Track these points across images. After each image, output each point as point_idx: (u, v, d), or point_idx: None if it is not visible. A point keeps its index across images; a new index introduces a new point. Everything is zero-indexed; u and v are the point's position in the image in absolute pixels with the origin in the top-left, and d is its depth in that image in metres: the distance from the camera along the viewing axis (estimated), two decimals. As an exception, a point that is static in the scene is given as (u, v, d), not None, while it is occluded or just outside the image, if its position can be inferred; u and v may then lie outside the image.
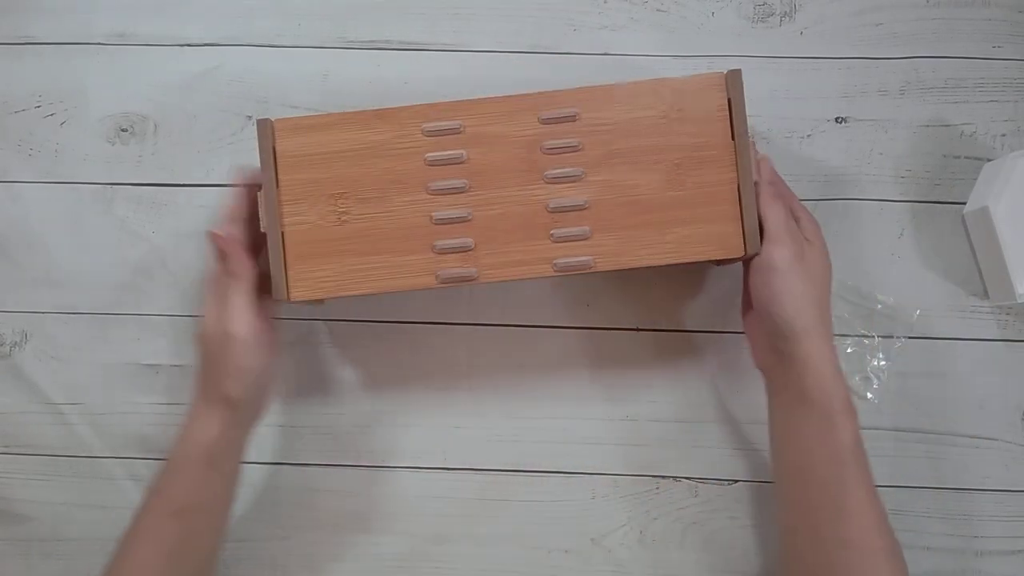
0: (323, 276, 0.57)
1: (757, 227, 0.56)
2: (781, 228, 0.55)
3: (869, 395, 0.65)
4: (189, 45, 0.69)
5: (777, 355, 0.56)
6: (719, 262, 0.64)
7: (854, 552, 0.52)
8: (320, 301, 0.64)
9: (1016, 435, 0.65)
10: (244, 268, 0.57)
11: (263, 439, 0.66)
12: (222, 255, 0.57)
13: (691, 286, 0.66)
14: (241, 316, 0.56)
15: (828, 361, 0.54)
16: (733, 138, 0.56)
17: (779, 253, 0.55)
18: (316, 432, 0.67)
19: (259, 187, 0.57)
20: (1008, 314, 0.66)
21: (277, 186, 0.57)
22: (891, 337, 0.66)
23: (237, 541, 0.66)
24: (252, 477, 0.66)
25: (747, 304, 0.60)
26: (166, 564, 0.55)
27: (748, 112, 0.66)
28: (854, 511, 0.53)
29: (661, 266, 0.66)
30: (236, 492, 0.59)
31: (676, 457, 0.66)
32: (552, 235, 0.56)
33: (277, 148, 0.57)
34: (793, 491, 0.57)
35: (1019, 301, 0.61)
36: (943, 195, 0.67)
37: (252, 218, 0.58)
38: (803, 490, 0.55)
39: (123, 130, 0.68)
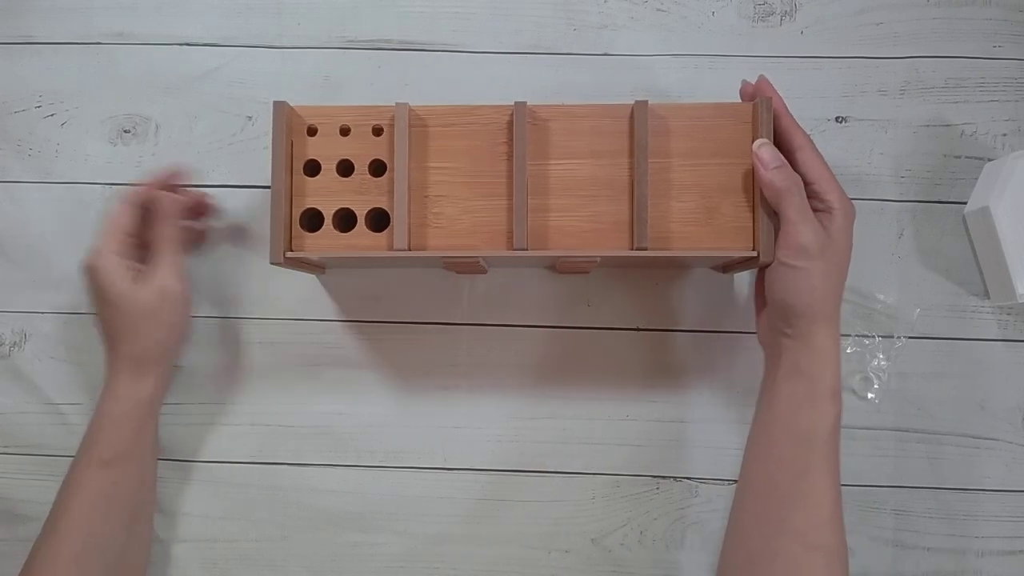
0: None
1: (772, 238, 0.55)
2: (794, 223, 0.53)
3: (869, 395, 0.65)
4: (189, 45, 0.69)
5: (782, 335, 0.55)
6: (724, 268, 0.65)
7: (797, 544, 0.51)
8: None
9: (1016, 435, 0.65)
10: (174, 227, 0.61)
11: (263, 439, 0.66)
12: (160, 212, 0.61)
13: (691, 286, 0.66)
14: (176, 274, 0.60)
15: (830, 346, 0.54)
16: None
17: (792, 252, 0.53)
18: (316, 432, 0.67)
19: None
20: (1008, 314, 0.66)
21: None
22: (891, 337, 0.66)
23: (237, 541, 0.66)
24: (251, 477, 0.66)
25: (760, 285, 0.59)
26: (96, 512, 0.58)
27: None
28: (808, 500, 0.52)
29: (662, 267, 0.66)
30: (158, 444, 0.64)
31: (676, 457, 0.66)
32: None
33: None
34: (755, 465, 0.55)
35: (1019, 301, 0.61)
36: (943, 195, 0.66)
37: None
38: (764, 465, 0.54)
39: (125, 131, 0.68)
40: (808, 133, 0.56)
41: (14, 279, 0.68)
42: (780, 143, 0.56)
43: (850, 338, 0.66)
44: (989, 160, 0.66)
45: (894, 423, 0.65)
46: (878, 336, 0.66)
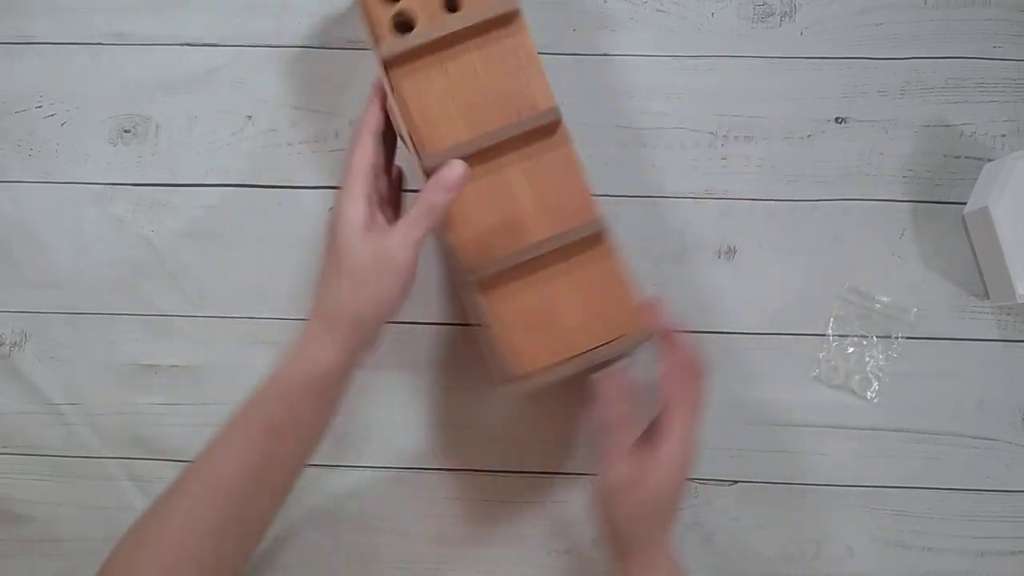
0: None
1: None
2: (614, 447, 0.55)
3: (869, 395, 0.65)
4: (189, 45, 0.69)
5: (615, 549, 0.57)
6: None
7: None
8: None
9: (1016, 435, 0.65)
10: (441, 195, 0.53)
11: (263, 439, 0.66)
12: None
13: (690, 291, 0.66)
14: (411, 245, 0.52)
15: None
16: None
17: (600, 487, 0.56)
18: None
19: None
20: (1008, 314, 0.66)
21: None
22: (891, 337, 0.66)
23: (237, 541, 0.66)
24: (252, 477, 0.66)
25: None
26: (248, 478, 0.52)
27: (748, 112, 0.67)
28: None
29: (663, 269, 0.66)
30: (334, 418, 0.56)
31: (676, 457, 0.66)
32: None
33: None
34: None
35: (1019, 301, 0.61)
36: (943, 195, 0.67)
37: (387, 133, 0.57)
38: None
39: (125, 131, 0.68)
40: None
41: (14, 279, 0.68)
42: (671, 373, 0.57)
43: (850, 338, 0.66)
44: (989, 160, 0.66)
45: (894, 423, 0.65)
46: (878, 336, 0.66)
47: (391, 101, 0.56)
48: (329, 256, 0.54)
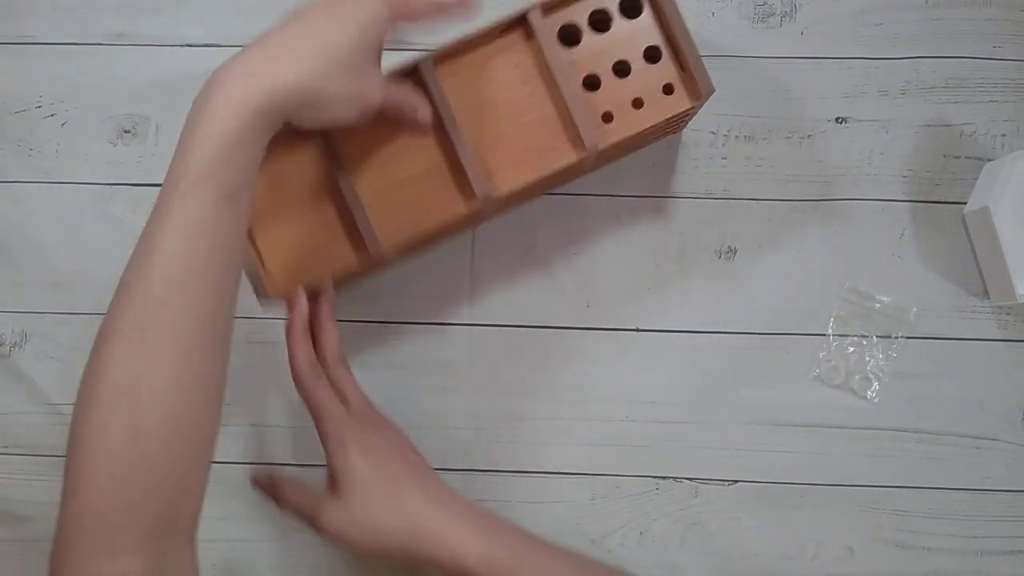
0: None
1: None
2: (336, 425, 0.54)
3: (869, 395, 0.65)
4: (189, 45, 0.69)
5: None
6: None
7: None
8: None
9: (1016, 435, 0.65)
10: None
11: (262, 439, 0.66)
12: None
13: (690, 291, 0.66)
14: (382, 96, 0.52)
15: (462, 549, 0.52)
16: None
17: (330, 527, 0.52)
18: (316, 432, 0.66)
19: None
20: (1008, 314, 0.66)
21: None
22: (891, 337, 0.66)
23: (237, 541, 0.66)
24: (252, 477, 0.66)
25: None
26: (225, 258, 0.46)
27: (748, 112, 0.67)
28: None
29: (663, 269, 0.66)
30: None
31: (676, 457, 0.66)
32: None
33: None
34: None
35: (1019, 301, 0.61)
36: (944, 195, 0.67)
37: None
38: None
39: (126, 131, 0.68)
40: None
41: (14, 279, 0.68)
42: None
43: (850, 338, 0.66)
44: (989, 160, 0.66)
45: (894, 423, 0.65)
46: (878, 336, 0.66)
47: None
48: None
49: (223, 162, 0.45)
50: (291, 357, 0.55)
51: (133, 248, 0.46)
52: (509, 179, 0.57)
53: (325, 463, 0.55)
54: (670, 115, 0.57)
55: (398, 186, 0.57)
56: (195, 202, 0.45)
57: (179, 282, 0.44)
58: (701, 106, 0.60)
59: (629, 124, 0.57)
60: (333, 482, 0.54)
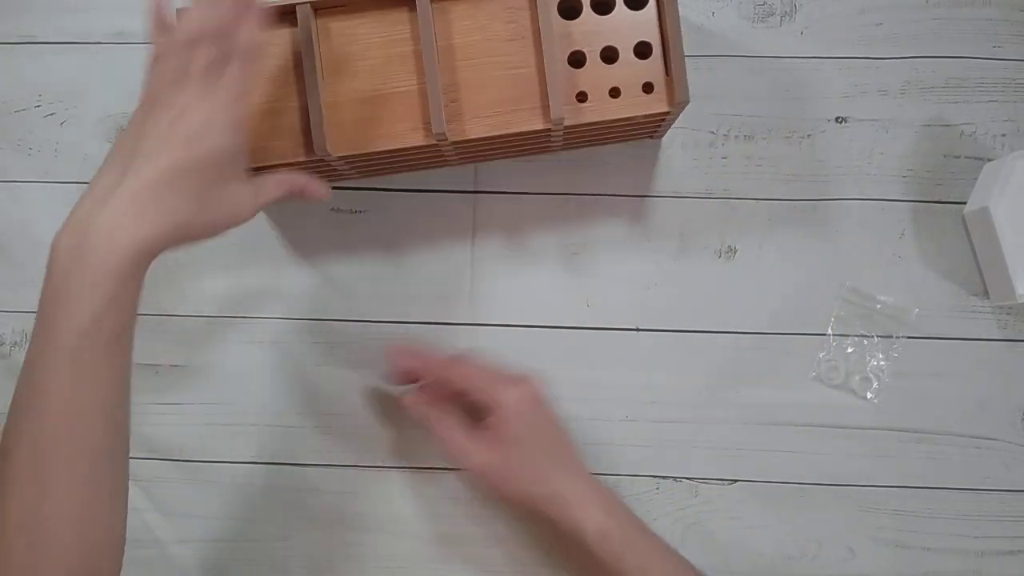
0: None
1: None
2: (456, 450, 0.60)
3: (869, 395, 0.65)
4: (189, 45, 0.69)
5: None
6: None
7: None
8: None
9: (1016, 435, 0.65)
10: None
11: (263, 439, 0.66)
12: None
13: (690, 291, 0.66)
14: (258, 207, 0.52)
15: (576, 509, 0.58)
16: None
17: (475, 475, 0.60)
18: (316, 432, 0.67)
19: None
20: (1008, 314, 0.66)
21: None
22: (891, 337, 0.66)
23: (237, 541, 0.66)
24: (252, 477, 0.66)
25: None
26: (117, 391, 0.46)
27: (748, 112, 0.67)
28: None
29: (663, 269, 0.66)
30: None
31: (676, 457, 0.66)
32: None
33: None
34: None
35: (1019, 301, 0.61)
36: (944, 195, 0.67)
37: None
38: None
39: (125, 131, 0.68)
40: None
41: (14, 279, 0.68)
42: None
43: (850, 338, 0.66)
44: (989, 160, 0.66)
45: (894, 423, 0.65)
46: (878, 336, 0.66)
47: None
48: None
49: (111, 311, 0.44)
50: (456, 379, 0.60)
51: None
52: (472, 127, 0.57)
53: (491, 409, 0.58)
54: (643, 113, 0.57)
55: (368, 101, 0.58)
56: (86, 353, 0.44)
57: (68, 425, 0.45)
58: (676, 116, 0.60)
59: (601, 110, 0.57)
60: (496, 432, 0.58)
